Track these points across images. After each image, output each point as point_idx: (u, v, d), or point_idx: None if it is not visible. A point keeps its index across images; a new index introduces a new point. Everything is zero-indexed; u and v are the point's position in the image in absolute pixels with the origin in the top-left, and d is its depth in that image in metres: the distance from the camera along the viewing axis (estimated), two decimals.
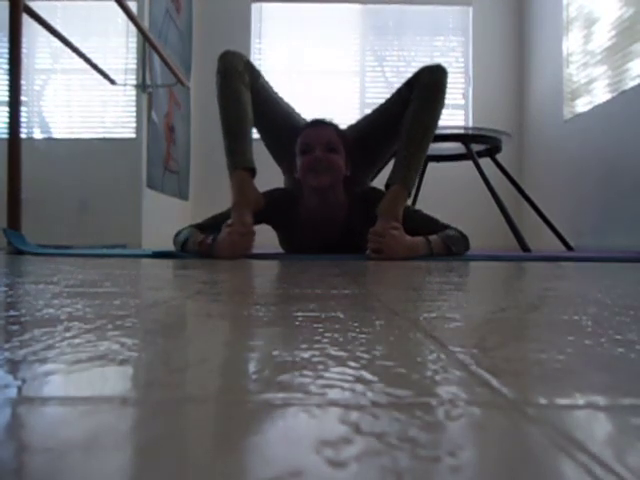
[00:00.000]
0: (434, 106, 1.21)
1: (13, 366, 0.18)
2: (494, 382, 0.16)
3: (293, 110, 1.39)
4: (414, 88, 1.23)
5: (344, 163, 1.22)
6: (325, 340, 0.23)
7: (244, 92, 1.20)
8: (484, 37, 3.47)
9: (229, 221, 1.12)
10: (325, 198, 1.22)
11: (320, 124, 1.25)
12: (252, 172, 1.17)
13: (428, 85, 1.21)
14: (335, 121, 1.33)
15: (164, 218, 2.69)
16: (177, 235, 1.23)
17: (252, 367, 0.18)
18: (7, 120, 1.40)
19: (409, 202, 1.23)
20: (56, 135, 2.90)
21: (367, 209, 1.23)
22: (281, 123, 1.34)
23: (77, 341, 0.22)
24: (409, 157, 1.18)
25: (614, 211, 2.34)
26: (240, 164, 1.15)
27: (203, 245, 1.11)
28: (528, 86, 3.42)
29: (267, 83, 1.33)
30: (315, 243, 1.30)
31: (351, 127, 1.37)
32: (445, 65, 1.26)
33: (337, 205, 1.25)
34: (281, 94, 1.40)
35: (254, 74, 1.25)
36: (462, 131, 2.15)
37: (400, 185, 1.16)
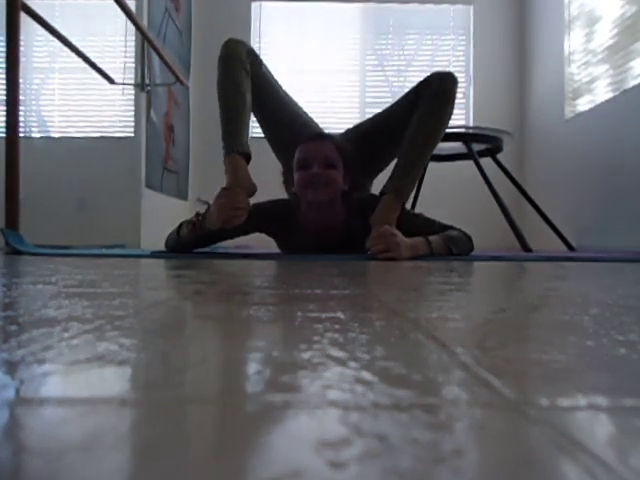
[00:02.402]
0: (439, 116, 1.19)
1: (11, 367, 0.18)
2: (495, 383, 0.16)
3: (295, 103, 1.37)
4: (422, 94, 1.21)
5: (342, 178, 1.20)
6: (325, 340, 0.23)
7: (244, 79, 1.19)
8: (485, 36, 3.47)
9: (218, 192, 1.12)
10: (322, 212, 1.21)
11: (319, 138, 1.21)
12: (247, 158, 1.17)
13: (436, 93, 1.19)
14: (337, 128, 1.32)
15: (163, 218, 2.69)
16: (169, 235, 1.24)
17: (252, 368, 0.18)
18: (5, 119, 1.39)
19: (409, 205, 1.23)
20: (54, 134, 2.90)
21: (365, 216, 1.22)
22: (281, 115, 1.32)
23: (75, 342, 0.22)
24: (407, 167, 1.17)
25: (616, 210, 2.34)
26: (235, 148, 1.14)
27: (196, 217, 1.11)
28: (529, 85, 3.42)
29: (270, 73, 1.31)
30: (315, 244, 1.30)
31: (355, 127, 1.36)
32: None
33: (335, 215, 1.24)
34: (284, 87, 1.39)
35: (256, 63, 1.24)
36: (463, 130, 2.15)
37: (394, 196, 1.16)
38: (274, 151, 1.42)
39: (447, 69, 1.25)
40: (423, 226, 1.20)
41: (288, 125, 1.31)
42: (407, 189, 1.17)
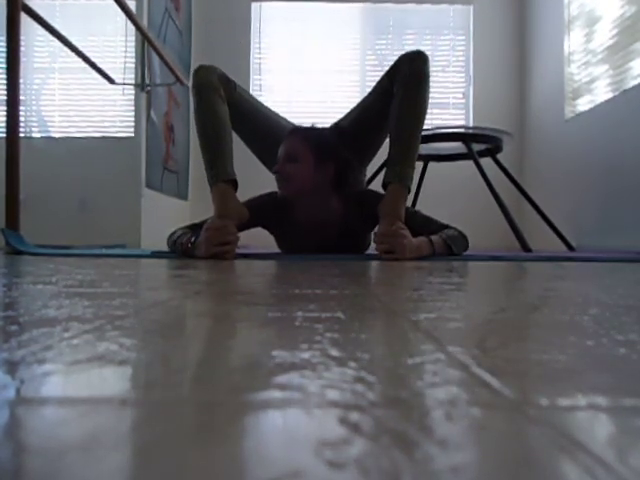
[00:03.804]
0: (418, 98, 1.17)
1: (11, 367, 0.18)
2: (495, 383, 0.16)
3: (277, 115, 1.37)
4: (395, 80, 1.19)
5: (310, 169, 1.18)
6: (325, 340, 0.23)
7: (220, 105, 1.19)
8: (485, 36, 3.47)
9: (209, 221, 1.12)
10: (305, 204, 1.21)
11: (289, 135, 1.22)
12: (234, 184, 1.17)
13: (409, 76, 1.16)
14: (319, 124, 1.31)
15: (163, 218, 2.69)
16: (171, 235, 1.23)
17: (252, 367, 0.18)
18: (5, 119, 1.39)
19: (409, 203, 1.22)
20: (55, 134, 2.90)
21: (363, 211, 1.22)
22: (265, 132, 1.32)
23: (76, 341, 0.22)
24: (402, 154, 1.16)
25: (616, 210, 2.34)
26: (220, 177, 1.14)
27: (184, 246, 1.11)
28: (529, 85, 3.42)
29: (245, 92, 1.31)
30: (313, 244, 1.30)
31: (335, 125, 1.34)
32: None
33: (328, 208, 1.24)
34: (266, 102, 1.39)
35: (229, 86, 1.23)
36: (463, 130, 2.15)
37: (398, 183, 1.15)
38: (267, 168, 1.41)
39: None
40: (423, 225, 1.20)
41: (272, 140, 1.30)
42: (409, 176, 1.16)
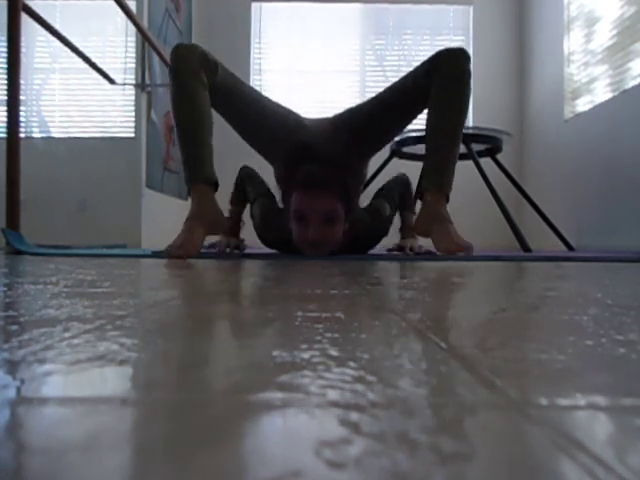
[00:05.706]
0: (461, 102, 1.10)
1: (12, 366, 0.18)
2: (495, 383, 0.16)
3: (260, 95, 1.27)
4: (434, 79, 1.11)
5: (342, 224, 1.09)
6: (325, 340, 0.23)
7: (200, 93, 1.08)
8: (485, 36, 3.48)
9: (183, 228, 1.07)
10: None
11: (318, 188, 1.02)
12: (214, 185, 1.09)
13: (451, 78, 1.09)
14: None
15: (164, 218, 2.70)
16: None
17: (252, 367, 0.18)
18: (6, 119, 1.40)
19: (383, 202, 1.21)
20: (55, 134, 2.90)
21: (368, 241, 1.20)
22: (252, 114, 1.23)
23: (76, 341, 0.22)
24: (442, 161, 1.10)
25: (615, 211, 2.34)
26: (199, 177, 1.07)
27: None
28: (529, 85, 3.42)
29: (229, 74, 1.20)
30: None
31: (351, 115, 1.27)
32: None
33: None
34: (264, 91, 1.35)
35: (209, 67, 1.12)
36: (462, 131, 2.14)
37: (436, 191, 1.10)
38: (257, 151, 1.35)
39: (469, 55, 1.17)
40: (384, 222, 1.18)
41: (261, 123, 1.23)
42: (449, 183, 1.11)
